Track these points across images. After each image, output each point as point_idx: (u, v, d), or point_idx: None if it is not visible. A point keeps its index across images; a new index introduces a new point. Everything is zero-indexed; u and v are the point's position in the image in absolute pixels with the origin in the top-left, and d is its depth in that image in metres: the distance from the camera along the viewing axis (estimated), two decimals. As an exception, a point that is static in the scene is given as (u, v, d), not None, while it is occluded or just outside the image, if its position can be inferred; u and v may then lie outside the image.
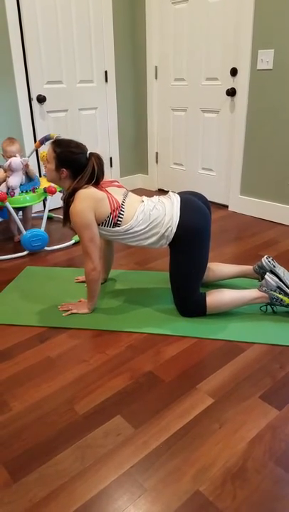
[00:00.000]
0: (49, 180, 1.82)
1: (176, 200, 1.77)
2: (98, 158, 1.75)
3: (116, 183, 1.84)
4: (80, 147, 1.75)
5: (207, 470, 1.15)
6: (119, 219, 1.72)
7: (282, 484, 1.11)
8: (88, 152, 1.76)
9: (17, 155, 2.54)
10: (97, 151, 1.78)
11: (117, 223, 1.73)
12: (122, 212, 1.73)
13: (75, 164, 1.73)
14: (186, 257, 1.75)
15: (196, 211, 1.74)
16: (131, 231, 1.74)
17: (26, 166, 2.54)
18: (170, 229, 1.72)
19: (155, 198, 1.82)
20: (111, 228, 1.74)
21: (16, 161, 2.46)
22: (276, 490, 1.09)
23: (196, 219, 1.73)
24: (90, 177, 1.73)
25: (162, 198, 1.83)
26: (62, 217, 1.81)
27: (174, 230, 1.72)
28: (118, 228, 1.74)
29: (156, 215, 1.73)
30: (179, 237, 1.73)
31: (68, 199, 1.74)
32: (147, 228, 1.74)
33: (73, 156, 1.73)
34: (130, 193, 1.84)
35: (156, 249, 2.62)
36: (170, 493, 1.09)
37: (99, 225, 1.74)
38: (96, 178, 1.74)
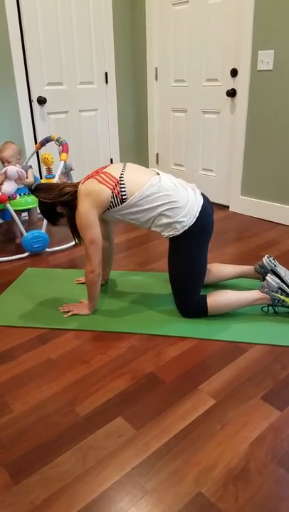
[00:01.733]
0: (79, 229, 1.77)
1: (200, 202, 1.72)
2: (33, 190, 1.82)
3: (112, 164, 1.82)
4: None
5: (209, 471, 1.15)
6: (123, 193, 1.67)
7: (284, 485, 1.10)
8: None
9: (13, 161, 2.54)
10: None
11: (123, 199, 1.68)
12: (122, 186, 1.67)
13: (48, 204, 1.80)
14: (187, 258, 1.75)
15: (207, 216, 1.73)
16: (143, 201, 1.67)
17: (19, 178, 2.54)
18: (183, 224, 1.68)
19: (175, 178, 1.76)
20: (121, 206, 1.69)
21: (12, 169, 2.49)
22: (279, 491, 1.09)
23: (206, 225, 1.73)
24: (62, 199, 1.76)
25: (187, 186, 1.77)
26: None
27: (185, 229, 1.69)
28: (128, 201, 1.67)
29: (177, 198, 1.68)
30: (185, 236, 1.71)
31: (71, 213, 1.77)
32: (163, 208, 1.67)
33: (42, 208, 1.84)
34: (130, 164, 1.78)
35: (157, 249, 2.63)
36: (172, 495, 1.09)
37: (108, 209, 1.71)
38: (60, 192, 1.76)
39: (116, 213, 1.73)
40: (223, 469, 1.15)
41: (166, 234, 1.73)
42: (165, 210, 1.68)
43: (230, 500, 1.07)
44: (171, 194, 1.68)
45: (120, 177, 1.69)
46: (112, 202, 1.69)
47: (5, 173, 2.50)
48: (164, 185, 1.69)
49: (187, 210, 1.68)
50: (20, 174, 2.53)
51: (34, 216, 2.88)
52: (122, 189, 1.67)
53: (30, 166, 2.74)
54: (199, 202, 1.72)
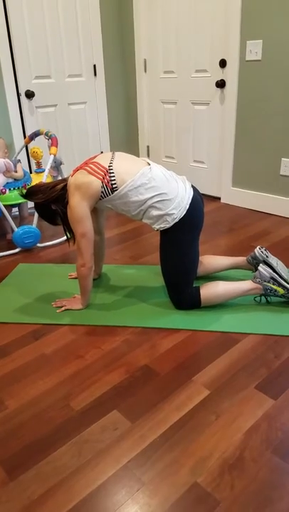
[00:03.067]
0: (70, 223, 1.76)
1: (190, 194, 1.71)
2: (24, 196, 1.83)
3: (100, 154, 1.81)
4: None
5: (204, 461, 1.15)
6: (113, 182, 1.66)
7: (279, 473, 1.11)
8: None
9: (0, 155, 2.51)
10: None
11: (113, 188, 1.66)
12: (112, 175, 1.66)
13: (42, 205, 1.81)
14: (178, 250, 1.74)
15: (197, 210, 1.72)
16: (134, 191, 1.65)
17: (7, 171, 2.50)
18: (174, 216, 1.67)
19: (166, 170, 1.75)
20: (112, 195, 1.67)
21: None
22: (273, 479, 1.10)
23: (196, 217, 1.72)
24: (54, 196, 1.76)
25: (178, 179, 1.76)
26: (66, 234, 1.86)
27: (176, 222, 1.68)
28: (118, 190, 1.66)
29: (167, 190, 1.67)
30: (176, 229, 1.71)
31: (63, 208, 1.76)
32: (153, 200, 1.66)
33: (38, 210, 1.85)
34: (119, 153, 1.76)
35: (150, 242, 2.62)
36: (168, 486, 1.09)
37: (100, 199, 1.69)
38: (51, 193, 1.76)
39: (107, 203, 1.72)
40: (219, 459, 1.16)
41: (157, 227, 1.73)
42: (155, 202, 1.67)
43: (226, 489, 1.08)
44: (161, 186, 1.67)
45: (109, 166, 1.67)
46: (102, 192, 1.67)
47: None
48: (155, 177, 1.68)
49: (177, 203, 1.68)
50: (8, 166, 2.49)
51: (25, 211, 2.85)
52: (112, 178, 1.66)
53: (19, 160, 2.71)
54: (189, 194, 1.71)
